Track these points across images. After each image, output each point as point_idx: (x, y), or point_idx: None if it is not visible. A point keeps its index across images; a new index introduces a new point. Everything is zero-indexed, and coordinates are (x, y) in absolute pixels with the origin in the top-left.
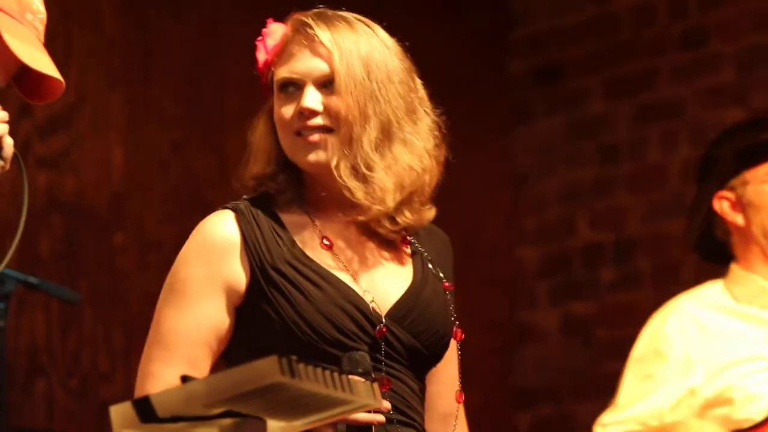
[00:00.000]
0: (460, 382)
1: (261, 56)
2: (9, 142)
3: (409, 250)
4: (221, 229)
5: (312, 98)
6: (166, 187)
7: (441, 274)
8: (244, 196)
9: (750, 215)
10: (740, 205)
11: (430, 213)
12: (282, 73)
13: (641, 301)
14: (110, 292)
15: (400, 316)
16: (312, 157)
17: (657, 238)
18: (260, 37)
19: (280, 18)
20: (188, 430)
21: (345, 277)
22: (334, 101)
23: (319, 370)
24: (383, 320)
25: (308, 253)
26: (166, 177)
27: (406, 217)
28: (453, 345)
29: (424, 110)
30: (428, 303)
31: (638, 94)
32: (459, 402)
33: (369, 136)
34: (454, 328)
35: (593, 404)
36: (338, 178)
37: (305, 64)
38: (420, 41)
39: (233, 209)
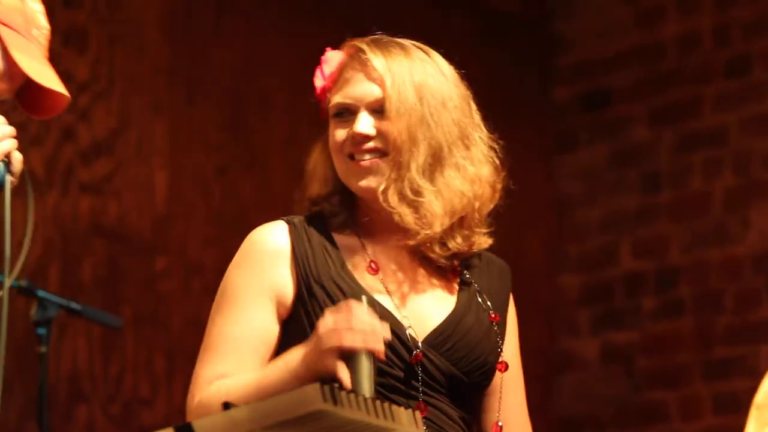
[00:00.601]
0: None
1: (318, 83)
2: (18, 158)
3: (458, 280)
4: (273, 237)
5: (364, 123)
6: (209, 211)
7: (489, 303)
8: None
9: None
10: None
11: (484, 240)
12: (336, 98)
13: (683, 330)
14: (152, 317)
15: (438, 343)
16: (363, 182)
17: (699, 267)
18: (318, 65)
19: (324, 44)
20: None
21: (386, 302)
22: (386, 126)
23: (361, 398)
24: (419, 346)
25: (355, 275)
26: (209, 201)
27: (457, 243)
28: (514, 376)
29: (479, 136)
30: (468, 330)
31: (682, 121)
32: None
33: (417, 160)
34: (500, 359)
35: None
36: (383, 203)
37: (358, 89)
38: (465, 66)
39: (287, 222)
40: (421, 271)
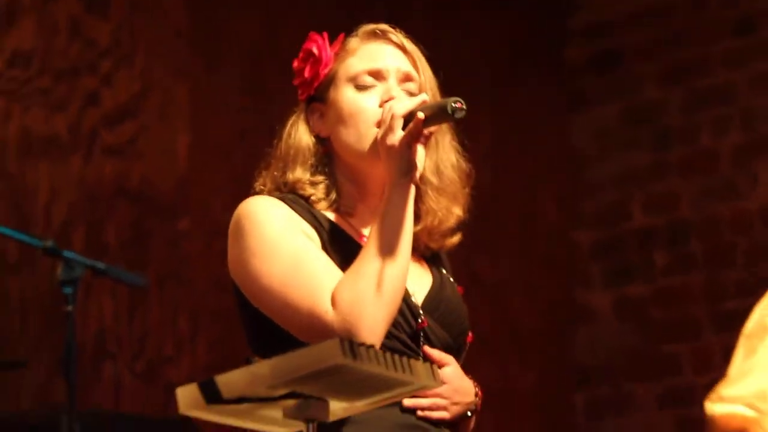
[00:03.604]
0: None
1: (320, 53)
2: None
3: (425, 258)
4: (275, 202)
5: (398, 92)
6: (230, 173)
7: (451, 278)
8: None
9: None
10: None
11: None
12: (359, 64)
13: (694, 283)
14: (176, 276)
15: (431, 309)
16: None
17: (709, 222)
18: (311, 48)
19: (339, 9)
20: (252, 410)
21: None
22: None
23: (380, 352)
24: (421, 313)
25: (351, 247)
26: (230, 164)
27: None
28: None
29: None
30: (450, 300)
31: (691, 80)
32: None
33: None
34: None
35: (648, 384)
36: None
37: (391, 59)
38: (481, 29)
39: (278, 197)
40: None
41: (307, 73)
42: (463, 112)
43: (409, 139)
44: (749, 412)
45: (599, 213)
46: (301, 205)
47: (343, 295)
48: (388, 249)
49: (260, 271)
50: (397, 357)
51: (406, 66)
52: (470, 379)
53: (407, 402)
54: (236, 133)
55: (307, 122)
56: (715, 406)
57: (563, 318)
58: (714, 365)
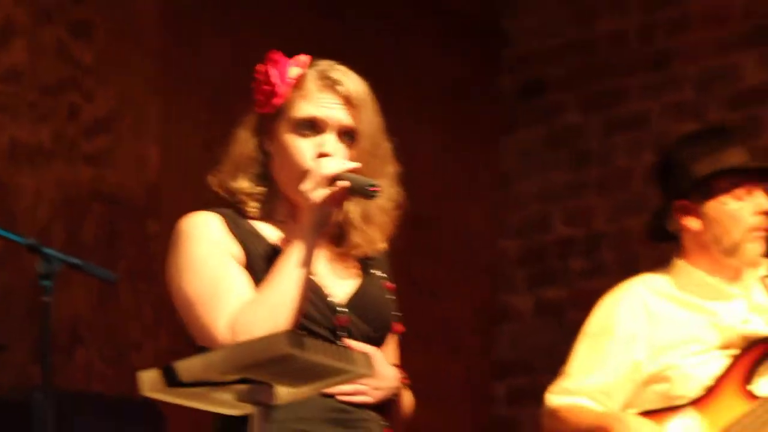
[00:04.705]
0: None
1: (276, 84)
2: None
3: (356, 259)
4: (213, 220)
5: (333, 146)
6: (195, 181)
7: (384, 275)
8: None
9: (706, 225)
10: (699, 213)
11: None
12: (306, 110)
13: (606, 288)
14: (144, 273)
15: (354, 306)
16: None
17: (621, 234)
18: (271, 67)
19: (298, 39)
20: (207, 393)
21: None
22: (352, 156)
23: (323, 344)
24: (344, 310)
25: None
26: (195, 173)
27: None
28: (395, 339)
29: (390, 162)
30: (375, 297)
31: (609, 108)
32: None
33: None
34: (394, 322)
35: None
36: (346, 220)
37: (331, 111)
38: (421, 60)
39: (216, 212)
40: (330, 254)
41: (261, 96)
42: (376, 195)
43: (330, 200)
44: (593, 405)
45: (523, 224)
46: (235, 220)
47: (240, 318)
48: (284, 285)
49: (179, 285)
50: (338, 348)
51: (347, 120)
52: (395, 366)
53: (331, 389)
54: (201, 145)
55: (256, 132)
56: (557, 398)
57: (490, 317)
58: None
